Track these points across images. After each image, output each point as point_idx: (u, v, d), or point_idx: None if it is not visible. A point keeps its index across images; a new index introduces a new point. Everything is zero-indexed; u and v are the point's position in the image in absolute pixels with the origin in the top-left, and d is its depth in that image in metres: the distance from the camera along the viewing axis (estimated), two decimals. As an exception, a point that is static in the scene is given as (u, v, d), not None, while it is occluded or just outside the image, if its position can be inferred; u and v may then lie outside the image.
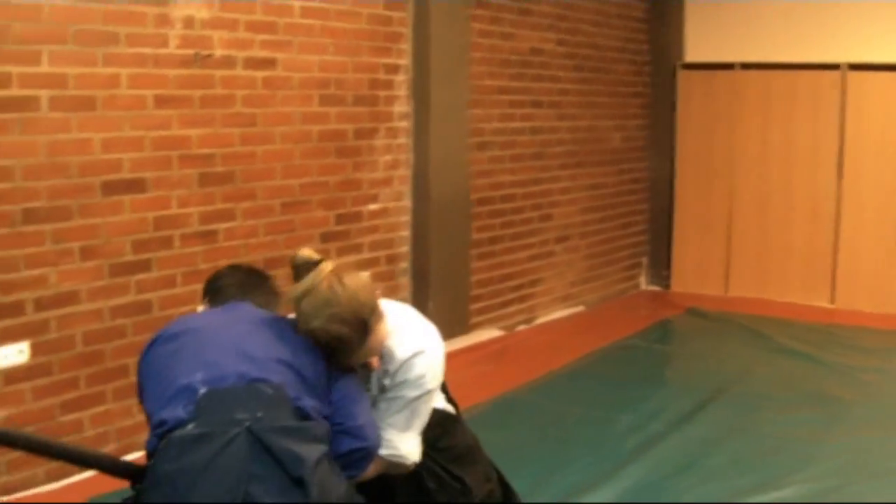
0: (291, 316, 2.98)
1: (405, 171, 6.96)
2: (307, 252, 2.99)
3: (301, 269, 2.95)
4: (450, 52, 7.03)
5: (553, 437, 5.80)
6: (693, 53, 9.95)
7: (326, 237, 6.36)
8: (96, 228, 5.05)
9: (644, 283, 10.31)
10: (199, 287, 5.45)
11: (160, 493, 2.51)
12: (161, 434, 2.58)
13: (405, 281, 7.08)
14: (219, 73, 5.59)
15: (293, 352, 2.81)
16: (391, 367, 3.10)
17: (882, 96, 8.97)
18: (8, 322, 4.73)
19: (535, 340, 7.94)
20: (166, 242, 5.40)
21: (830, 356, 7.57)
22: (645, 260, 10.27)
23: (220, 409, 2.56)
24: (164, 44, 5.29)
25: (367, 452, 2.93)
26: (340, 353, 2.92)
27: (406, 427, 3.11)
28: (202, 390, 2.60)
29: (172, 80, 5.35)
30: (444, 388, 3.45)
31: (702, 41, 9.88)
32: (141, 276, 5.29)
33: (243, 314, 3.03)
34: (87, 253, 5.01)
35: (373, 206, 6.73)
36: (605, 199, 9.42)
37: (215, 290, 3.35)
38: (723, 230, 9.87)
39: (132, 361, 5.24)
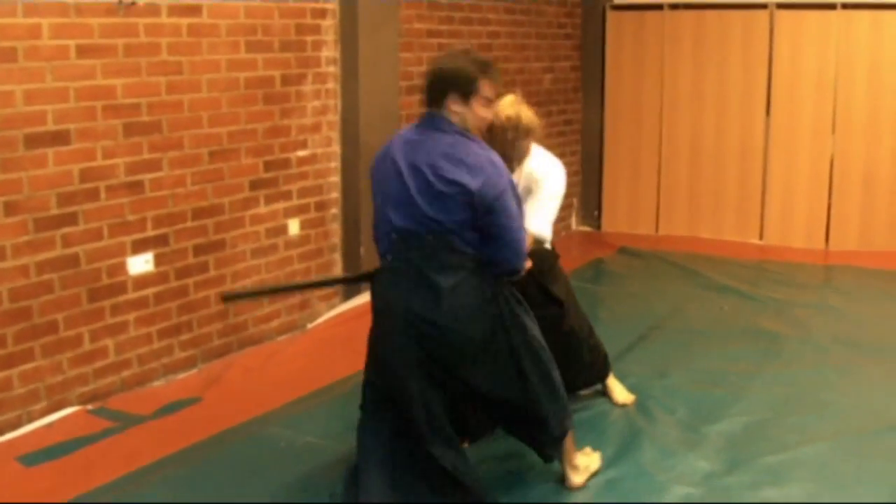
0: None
1: (334, 117, 6.89)
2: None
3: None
4: (377, -5, 6.94)
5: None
6: (622, -7, 9.96)
7: (255, 185, 6.28)
8: (19, 183, 4.94)
9: (575, 224, 10.35)
10: (126, 239, 5.45)
11: (379, 286, 4.15)
12: (383, 252, 4.13)
13: (335, 227, 7.03)
14: (143, 21, 5.47)
15: (447, 212, 3.97)
16: (532, 178, 4.87)
17: (809, 34, 9.04)
18: (-69, 280, 4.63)
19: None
20: (92, 195, 5.30)
21: (763, 291, 7.68)
22: (576, 201, 10.30)
23: (403, 250, 4.01)
24: (86, -9, 5.17)
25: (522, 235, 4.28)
26: (507, 143, 4.72)
27: (544, 215, 4.89)
28: (394, 236, 4.03)
29: (96, 28, 5.23)
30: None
31: (630, -19, 9.89)
32: (67, 230, 5.20)
33: (431, 148, 4.08)
34: (10, 208, 4.91)
35: (301, 153, 6.66)
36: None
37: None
38: (653, 169, 9.93)
39: (61, 317, 5.20)
